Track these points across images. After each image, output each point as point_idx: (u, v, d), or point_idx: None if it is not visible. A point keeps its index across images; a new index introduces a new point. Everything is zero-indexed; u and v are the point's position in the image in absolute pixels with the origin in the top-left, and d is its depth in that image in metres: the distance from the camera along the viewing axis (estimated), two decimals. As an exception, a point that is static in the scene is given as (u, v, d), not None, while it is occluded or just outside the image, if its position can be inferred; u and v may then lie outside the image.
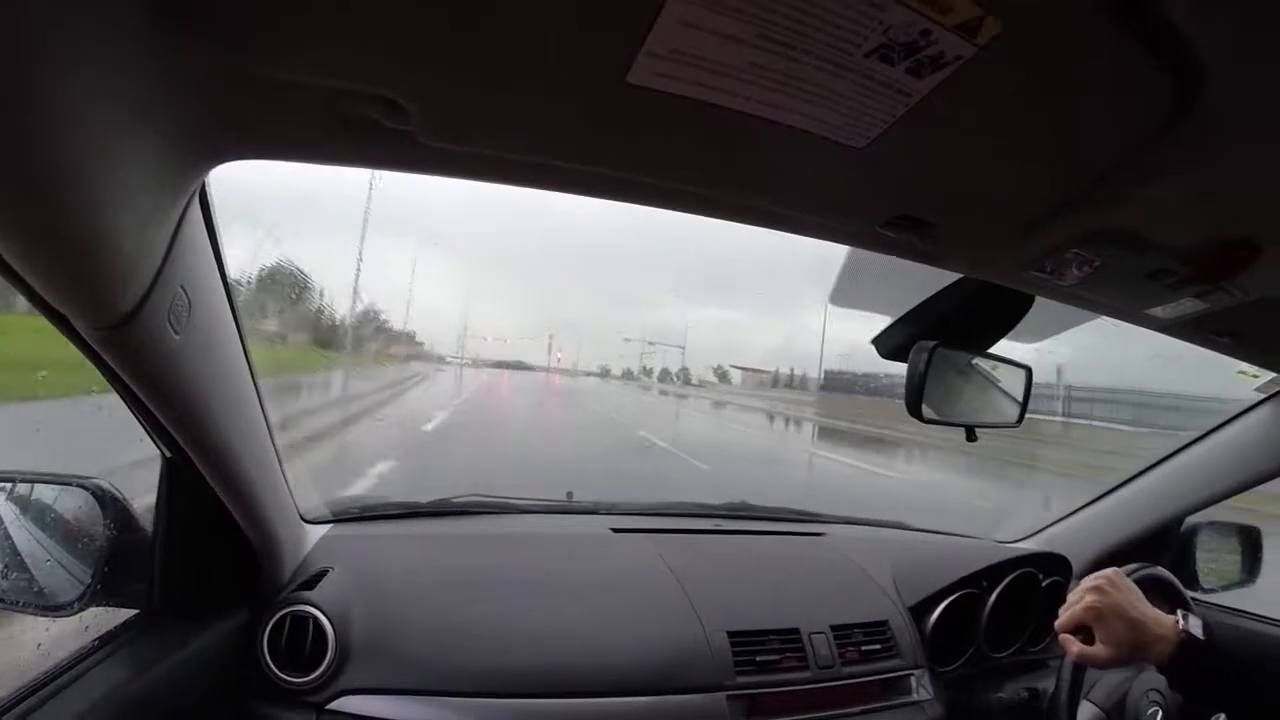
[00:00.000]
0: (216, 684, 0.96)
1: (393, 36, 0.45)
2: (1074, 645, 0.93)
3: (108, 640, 0.87)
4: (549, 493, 1.77)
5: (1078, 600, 0.94)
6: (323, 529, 1.30)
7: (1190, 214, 0.65)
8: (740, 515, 1.79)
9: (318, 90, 0.51)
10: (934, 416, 0.93)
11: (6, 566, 0.87)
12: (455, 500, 1.57)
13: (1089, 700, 1.15)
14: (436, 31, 0.44)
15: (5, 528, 0.88)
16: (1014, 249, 0.74)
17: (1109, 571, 0.96)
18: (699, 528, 1.65)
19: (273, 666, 1.01)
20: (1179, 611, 0.93)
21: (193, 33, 0.44)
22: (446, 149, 0.59)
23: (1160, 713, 1.14)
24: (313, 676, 1.01)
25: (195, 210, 0.64)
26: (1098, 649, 0.91)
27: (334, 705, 1.01)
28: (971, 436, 1.01)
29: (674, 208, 0.71)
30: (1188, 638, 0.89)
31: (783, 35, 0.43)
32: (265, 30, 0.45)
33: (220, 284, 0.74)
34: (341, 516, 1.38)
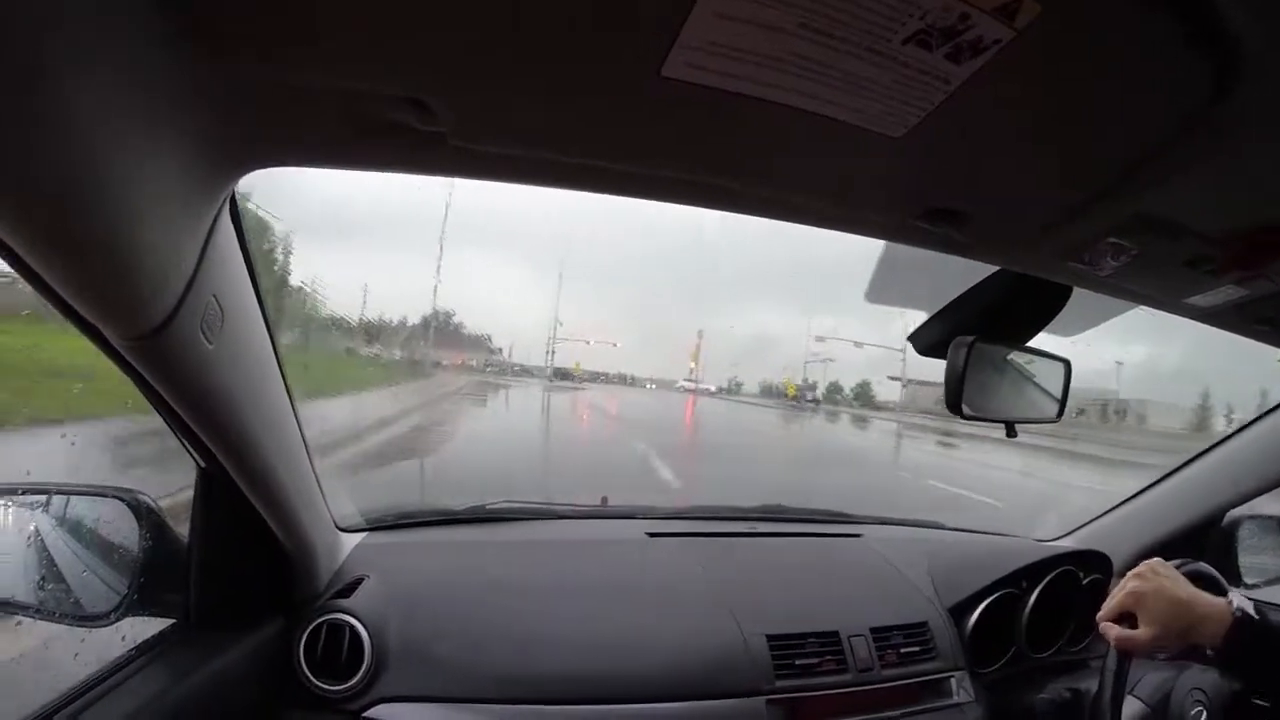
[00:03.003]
0: (253, 693, 0.96)
1: (420, 38, 0.45)
2: (1114, 630, 0.92)
3: (144, 650, 0.87)
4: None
5: (1121, 589, 0.93)
6: (357, 537, 1.30)
7: (1229, 200, 0.64)
8: (775, 517, 1.77)
9: (347, 95, 0.51)
10: (973, 413, 0.92)
11: (43, 578, 0.88)
12: (490, 506, 1.56)
13: (1133, 695, 1.12)
14: (465, 31, 0.44)
15: (42, 539, 0.89)
16: (1051, 239, 0.73)
17: (1152, 560, 0.95)
18: (734, 530, 1.64)
19: (309, 675, 1.01)
20: (1231, 591, 0.92)
21: (220, 42, 0.44)
22: (478, 150, 0.58)
23: (1205, 712, 1.11)
24: (349, 684, 1.01)
25: (225, 219, 0.64)
26: (1140, 632, 0.90)
27: (370, 713, 1.02)
28: (1011, 432, 0.99)
29: (710, 205, 0.70)
30: (1242, 616, 0.87)
31: (819, 23, 0.43)
32: (292, 37, 0.45)
33: (252, 293, 0.74)
34: (376, 524, 1.38)
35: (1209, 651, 0.93)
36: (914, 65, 0.46)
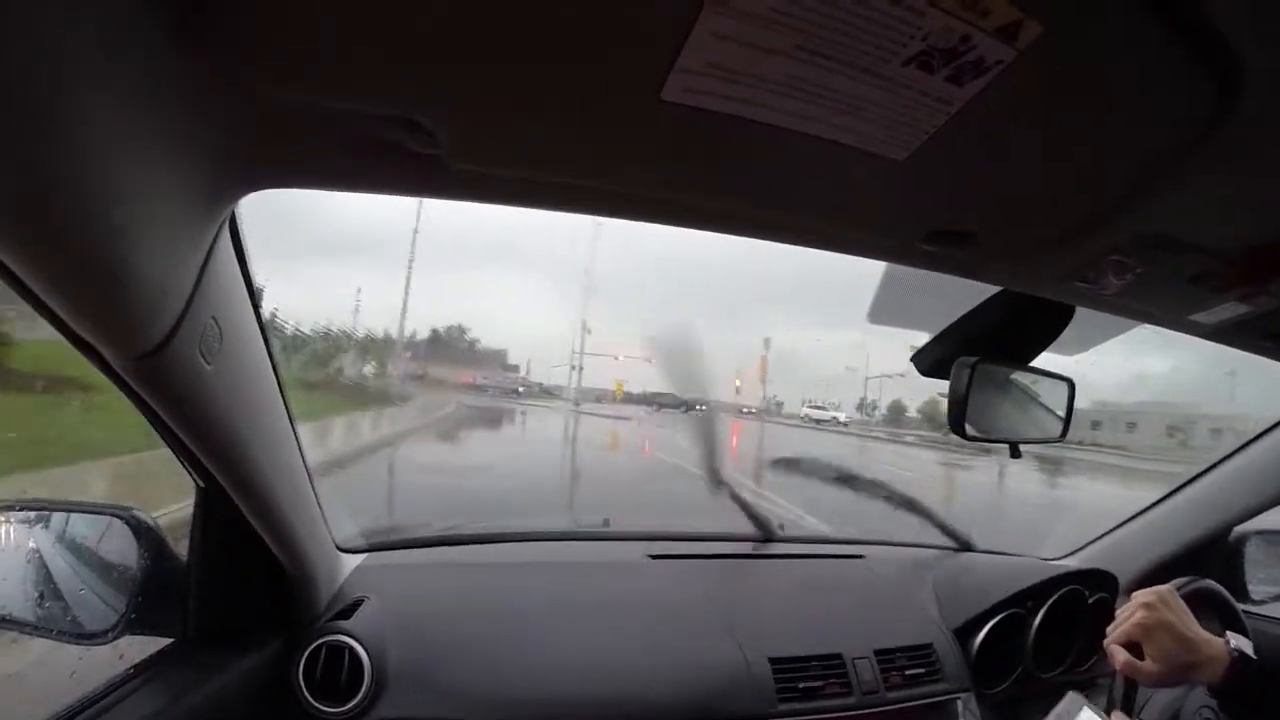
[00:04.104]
0: (251, 714, 0.95)
1: (418, 59, 0.44)
2: (1121, 655, 0.92)
3: (142, 669, 0.87)
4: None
5: (1128, 616, 0.93)
6: (358, 558, 1.29)
7: (1233, 215, 0.63)
8: (778, 539, 1.75)
9: (344, 116, 0.50)
10: (977, 434, 0.91)
11: (42, 595, 0.87)
12: (491, 528, 1.56)
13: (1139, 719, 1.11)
14: (462, 52, 0.44)
15: (40, 556, 0.89)
16: (1055, 258, 0.73)
17: (1161, 588, 0.95)
18: (736, 552, 1.63)
19: (308, 697, 1.00)
20: (1228, 633, 0.92)
21: (215, 61, 0.44)
22: (476, 172, 0.58)
23: None
24: (349, 707, 1.00)
25: (225, 240, 0.64)
26: (1146, 664, 0.90)
27: None
28: (1015, 453, 0.99)
29: (712, 228, 0.69)
30: (1239, 657, 0.88)
31: (820, 46, 0.42)
32: (288, 58, 0.45)
33: (252, 313, 0.74)
34: (377, 545, 1.38)
35: (1207, 691, 0.93)
36: (915, 87, 0.46)
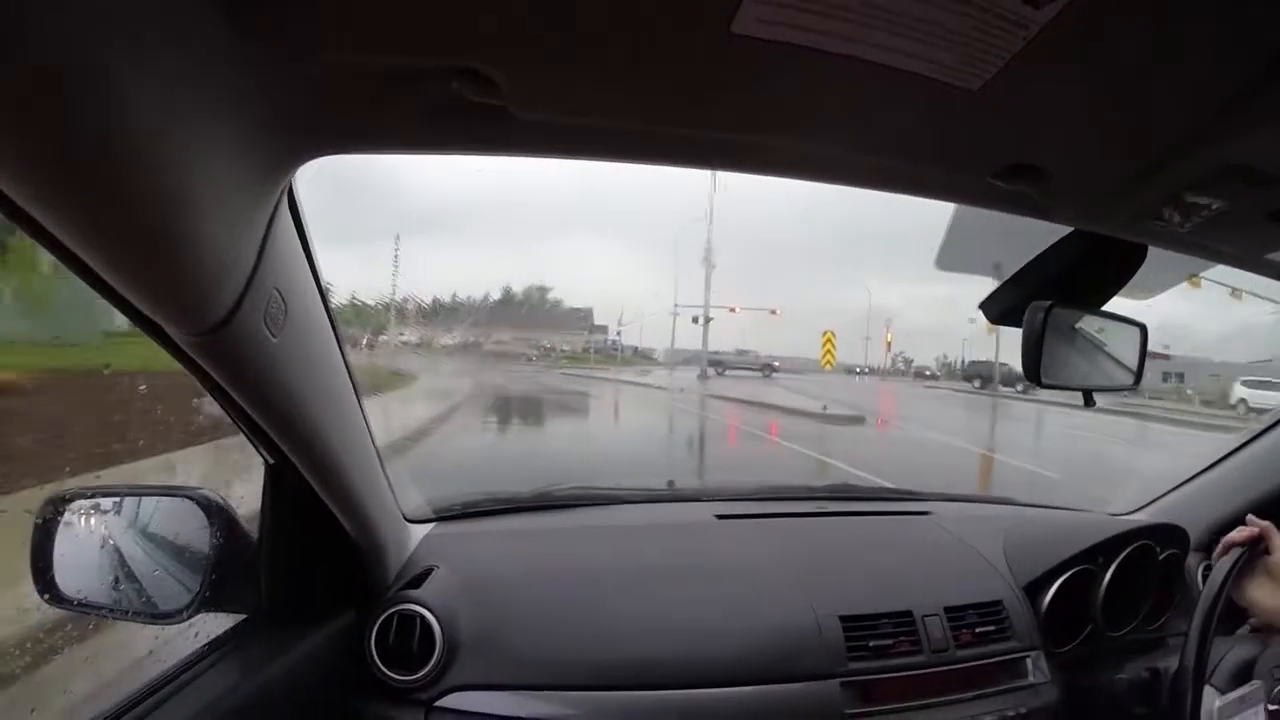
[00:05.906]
0: (325, 685, 0.97)
1: (476, 3, 0.43)
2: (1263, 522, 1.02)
3: (217, 646, 0.88)
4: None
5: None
6: (426, 528, 1.31)
7: None
8: (844, 496, 1.75)
9: (400, 72, 0.50)
10: (1051, 381, 0.88)
11: (117, 579, 0.89)
12: (556, 493, 1.57)
13: (1210, 685, 1.07)
14: None
15: (114, 541, 0.91)
16: (1129, 194, 0.70)
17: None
18: (803, 510, 1.62)
19: (381, 665, 1.01)
20: None
21: (269, 26, 0.43)
22: (541, 121, 0.57)
23: None
24: (421, 674, 1.02)
25: (285, 210, 0.64)
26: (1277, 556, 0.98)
27: (443, 702, 1.02)
28: (1089, 400, 0.96)
29: (780, 172, 0.68)
30: None
31: None
32: (340, 14, 0.44)
33: (314, 283, 0.74)
34: (444, 514, 1.39)
35: None
36: (991, 10, 0.44)
